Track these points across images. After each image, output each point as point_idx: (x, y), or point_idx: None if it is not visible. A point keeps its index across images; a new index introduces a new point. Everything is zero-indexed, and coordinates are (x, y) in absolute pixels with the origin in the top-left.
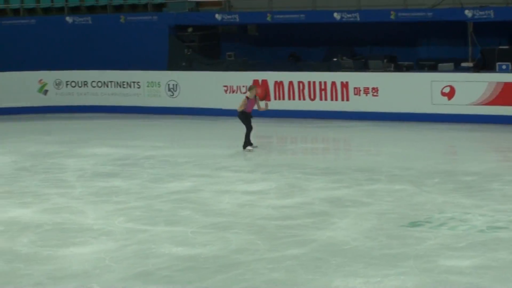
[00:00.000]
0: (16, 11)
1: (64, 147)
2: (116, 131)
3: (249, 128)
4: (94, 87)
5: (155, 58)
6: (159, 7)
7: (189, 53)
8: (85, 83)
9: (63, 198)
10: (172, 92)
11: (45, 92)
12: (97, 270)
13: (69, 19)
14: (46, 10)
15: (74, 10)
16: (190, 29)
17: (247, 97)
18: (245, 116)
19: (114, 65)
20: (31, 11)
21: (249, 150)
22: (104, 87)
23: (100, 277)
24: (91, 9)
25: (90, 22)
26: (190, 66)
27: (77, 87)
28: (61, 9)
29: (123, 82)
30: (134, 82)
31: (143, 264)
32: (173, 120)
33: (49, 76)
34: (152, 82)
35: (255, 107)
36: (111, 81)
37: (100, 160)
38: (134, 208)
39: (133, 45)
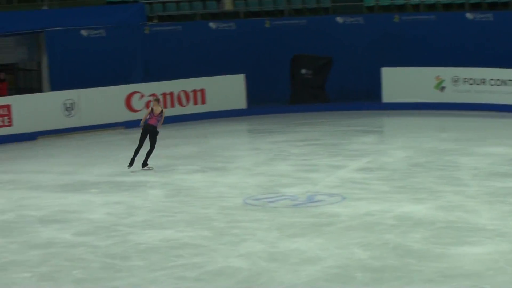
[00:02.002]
0: (415, 7)
1: (459, 145)
2: None
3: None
4: (492, 85)
5: None
6: None
7: None
8: (483, 80)
9: (458, 196)
10: None
11: (442, 88)
12: (490, 272)
13: (469, 15)
14: (446, 6)
15: (475, 6)
16: None
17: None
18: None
19: None
20: (431, 7)
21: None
22: (503, 85)
23: (493, 278)
24: (492, 6)
25: (491, 18)
26: None
27: (474, 84)
28: (461, 5)
29: None
30: None
31: None
32: None
33: (446, 72)
34: None
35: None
36: (510, 80)
37: (497, 159)
38: None
39: None
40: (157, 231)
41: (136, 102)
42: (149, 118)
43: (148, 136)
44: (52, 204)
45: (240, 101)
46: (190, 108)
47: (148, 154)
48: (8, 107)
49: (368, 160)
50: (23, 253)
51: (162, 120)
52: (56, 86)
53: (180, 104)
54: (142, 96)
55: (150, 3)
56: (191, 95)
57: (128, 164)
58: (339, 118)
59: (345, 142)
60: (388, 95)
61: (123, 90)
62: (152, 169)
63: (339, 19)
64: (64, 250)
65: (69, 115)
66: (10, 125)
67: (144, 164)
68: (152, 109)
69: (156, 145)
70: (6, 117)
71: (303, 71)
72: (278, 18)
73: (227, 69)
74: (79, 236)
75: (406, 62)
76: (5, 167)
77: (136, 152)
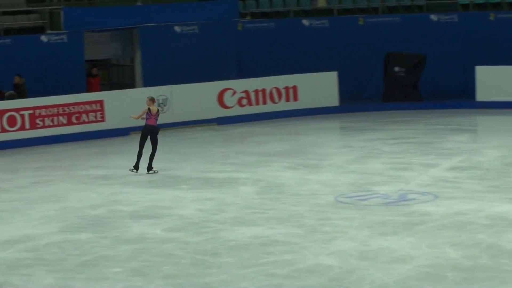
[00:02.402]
0: (511, 5)
1: None
2: None
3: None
4: None
5: None
6: None
7: None
8: None
9: None
10: None
11: None
12: None
13: None
14: None
15: None
16: None
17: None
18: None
19: None
20: None
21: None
22: None
23: None
24: None
25: None
26: None
27: None
28: None
29: None
30: None
31: None
32: None
33: None
34: None
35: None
36: None
37: None
38: None
39: None
40: (247, 228)
41: (228, 99)
42: (147, 118)
43: (149, 137)
44: (143, 199)
45: (332, 99)
46: (282, 105)
47: (152, 156)
48: (101, 102)
49: (461, 159)
50: (114, 248)
51: (158, 119)
52: (149, 81)
53: (272, 101)
54: (234, 92)
55: (244, 0)
56: (283, 92)
57: (133, 169)
58: (432, 117)
59: (438, 140)
60: (482, 93)
61: (216, 86)
62: (157, 172)
63: (433, 17)
64: (155, 245)
65: (161, 111)
66: (102, 121)
67: (149, 168)
68: (149, 109)
69: (158, 147)
70: (99, 113)
71: (396, 69)
72: (372, 15)
73: (320, 66)
74: (170, 232)
75: (501, 60)
76: (98, 162)
77: (139, 155)
